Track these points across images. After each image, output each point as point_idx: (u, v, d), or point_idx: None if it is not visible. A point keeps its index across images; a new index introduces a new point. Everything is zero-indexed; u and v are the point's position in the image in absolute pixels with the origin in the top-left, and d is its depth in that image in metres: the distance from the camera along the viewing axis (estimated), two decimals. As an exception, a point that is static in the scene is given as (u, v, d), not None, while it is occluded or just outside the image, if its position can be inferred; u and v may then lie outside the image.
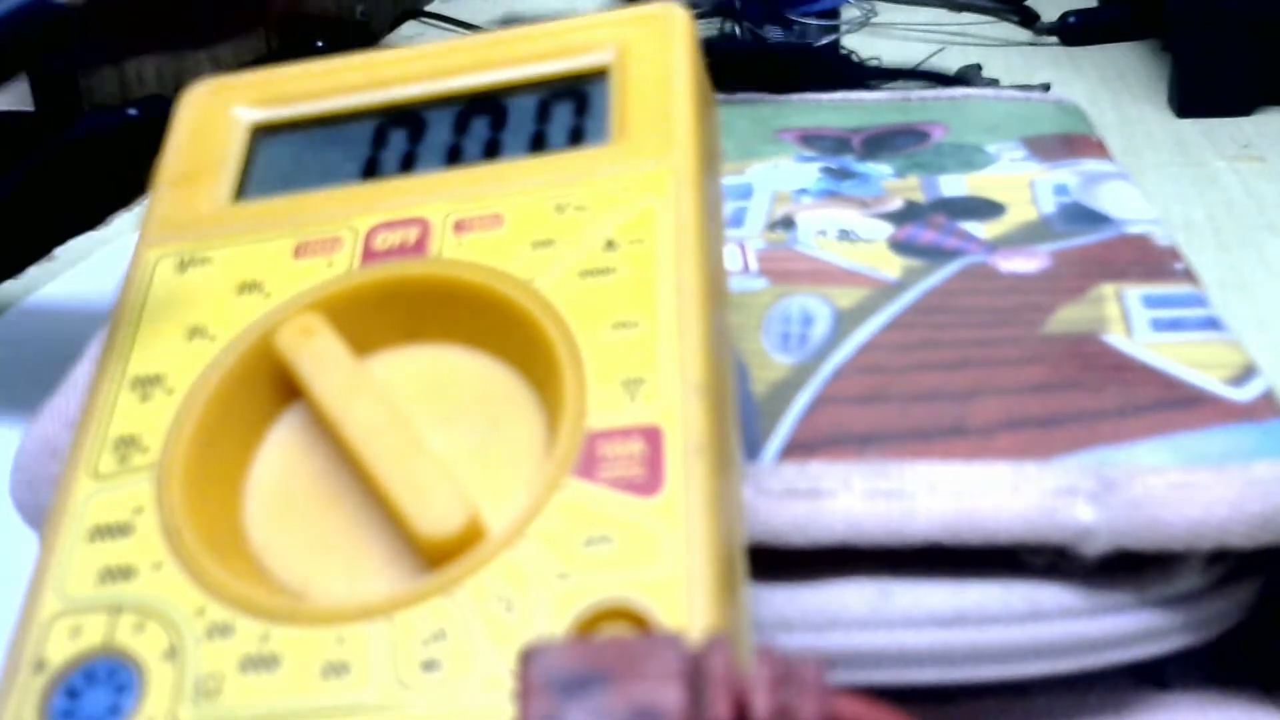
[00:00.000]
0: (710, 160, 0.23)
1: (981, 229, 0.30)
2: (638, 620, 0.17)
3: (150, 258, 0.23)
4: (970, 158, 0.35)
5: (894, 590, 0.22)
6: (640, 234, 0.21)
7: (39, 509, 0.23)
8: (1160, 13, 0.66)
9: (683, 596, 0.17)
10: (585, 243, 0.21)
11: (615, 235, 0.21)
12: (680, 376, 0.19)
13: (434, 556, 0.19)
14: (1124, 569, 0.22)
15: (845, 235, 0.30)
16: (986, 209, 0.31)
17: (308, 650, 0.18)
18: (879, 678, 0.22)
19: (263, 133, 0.25)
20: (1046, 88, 0.56)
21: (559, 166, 0.22)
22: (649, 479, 0.18)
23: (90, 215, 0.51)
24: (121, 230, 0.51)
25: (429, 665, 0.17)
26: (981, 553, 0.22)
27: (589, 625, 0.17)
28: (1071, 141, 0.35)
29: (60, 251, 0.50)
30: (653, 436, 0.18)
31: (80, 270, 0.49)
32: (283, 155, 0.24)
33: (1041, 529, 0.21)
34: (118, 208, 0.53)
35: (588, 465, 0.18)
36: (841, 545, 0.21)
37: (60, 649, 0.18)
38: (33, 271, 0.48)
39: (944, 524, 0.21)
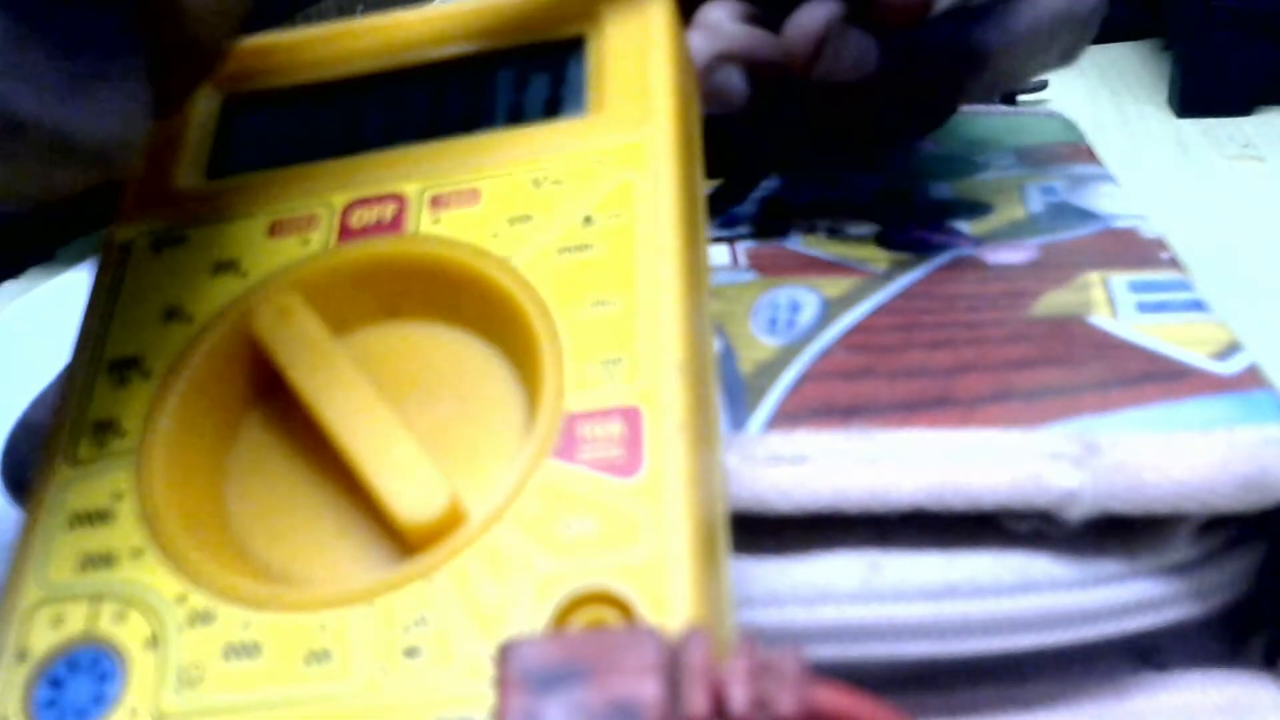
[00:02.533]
0: (690, 131, 0.23)
1: (969, 226, 0.30)
2: (618, 605, 0.17)
3: (124, 236, 0.23)
4: (958, 167, 0.35)
5: (884, 563, 0.22)
6: (618, 209, 0.21)
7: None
8: (1160, 12, 0.66)
9: (662, 580, 0.17)
10: (563, 218, 0.21)
11: (593, 210, 0.21)
12: (659, 355, 0.19)
13: (414, 541, 0.18)
14: (1115, 539, 0.22)
15: (834, 232, 0.31)
16: (974, 208, 0.32)
17: (289, 638, 0.17)
18: (870, 651, 0.22)
19: (236, 105, 0.24)
20: (1043, 85, 0.56)
21: (536, 139, 0.22)
22: (628, 460, 0.18)
23: (90, 215, 0.51)
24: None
25: (410, 652, 0.17)
26: (968, 522, 0.22)
27: (569, 610, 0.17)
28: (1061, 148, 0.36)
29: (60, 252, 0.50)
30: (631, 417, 0.18)
31: (80, 270, 0.49)
32: (257, 129, 0.24)
33: (1026, 493, 0.21)
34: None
35: (567, 446, 0.18)
36: (827, 511, 0.21)
37: (42, 638, 0.18)
38: (33, 271, 0.48)
39: (929, 490, 0.21)
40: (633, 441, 0.18)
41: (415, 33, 0.24)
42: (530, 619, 0.17)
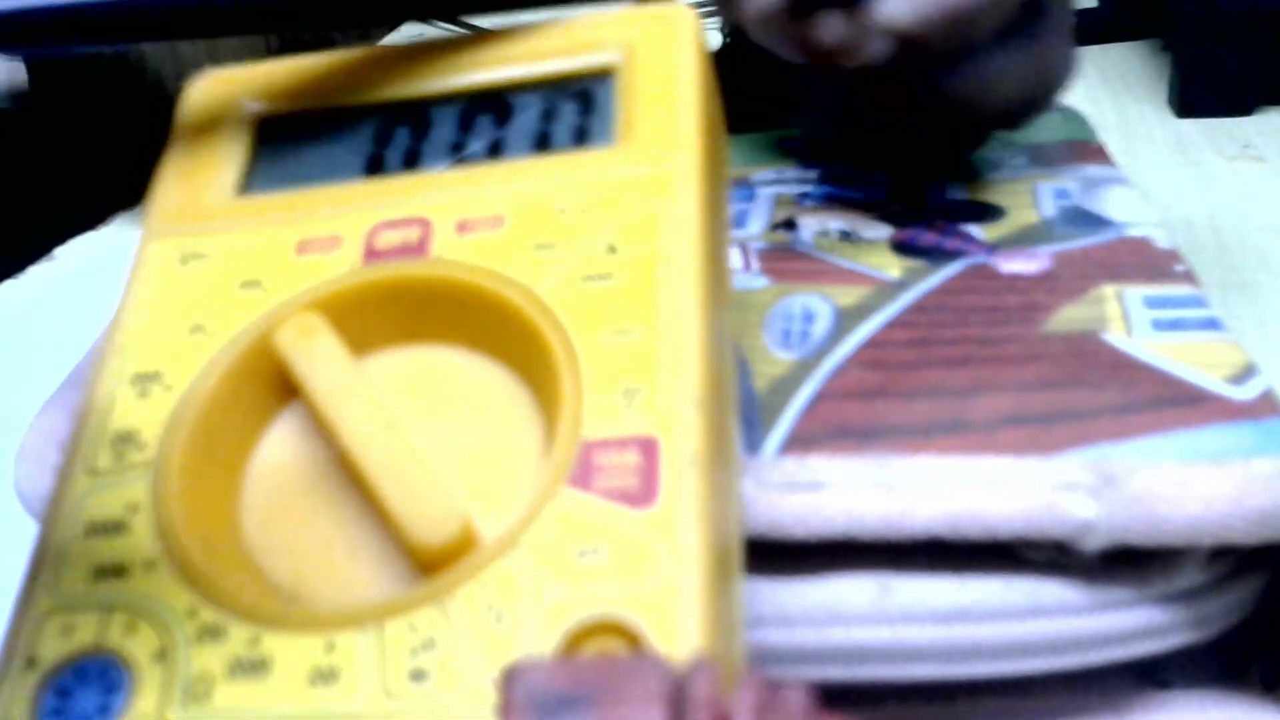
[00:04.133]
0: (716, 162, 0.23)
1: (982, 231, 0.30)
2: (627, 635, 0.17)
3: (153, 251, 0.23)
4: (970, 164, 0.35)
5: (895, 585, 0.21)
6: (642, 238, 0.21)
7: (42, 501, 0.23)
8: (1160, 13, 0.66)
9: (672, 612, 0.17)
10: (587, 246, 0.21)
11: (617, 239, 0.21)
12: (678, 386, 0.19)
13: (426, 563, 0.18)
14: (1125, 565, 0.22)
15: (847, 236, 0.30)
16: (988, 212, 0.31)
17: (297, 656, 0.17)
18: (879, 673, 0.22)
19: (268, 125, 0.24)
20: None
21: (563, 167, 0.22)
22: (643, 490, 0.18)
23: (90, 215, 0.51)
24: (121, 230, 0.51)
25: (417, 675, 0.17)
26: (982, 547, 0.21)
27: (578, 639, 0.17)
28: (1074, 148, 0.35)
29: (60, 251, 0.50)
30: (648, 447, 0.18)
31: (80, 270, 0.48)
32: (287, 149, 0.24)
33: (1042, 524, 0.21)
34: (118, 207, 0.53)
35: (583, 475, 0.18)
36: (842, 538, 0.21)
37: (52, 647, 0.18)
38: (32, 271, 0.48)
39: (944, 518, 0.21)
40: (649, 472, 0.18)
41: (447, 59, 0.24)
42: (539, 646, 0.17)
